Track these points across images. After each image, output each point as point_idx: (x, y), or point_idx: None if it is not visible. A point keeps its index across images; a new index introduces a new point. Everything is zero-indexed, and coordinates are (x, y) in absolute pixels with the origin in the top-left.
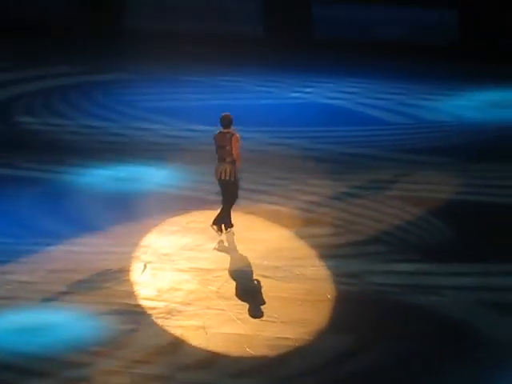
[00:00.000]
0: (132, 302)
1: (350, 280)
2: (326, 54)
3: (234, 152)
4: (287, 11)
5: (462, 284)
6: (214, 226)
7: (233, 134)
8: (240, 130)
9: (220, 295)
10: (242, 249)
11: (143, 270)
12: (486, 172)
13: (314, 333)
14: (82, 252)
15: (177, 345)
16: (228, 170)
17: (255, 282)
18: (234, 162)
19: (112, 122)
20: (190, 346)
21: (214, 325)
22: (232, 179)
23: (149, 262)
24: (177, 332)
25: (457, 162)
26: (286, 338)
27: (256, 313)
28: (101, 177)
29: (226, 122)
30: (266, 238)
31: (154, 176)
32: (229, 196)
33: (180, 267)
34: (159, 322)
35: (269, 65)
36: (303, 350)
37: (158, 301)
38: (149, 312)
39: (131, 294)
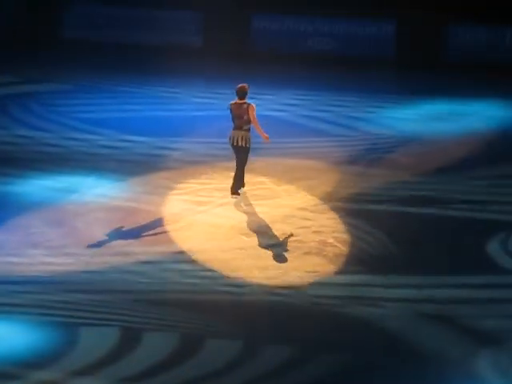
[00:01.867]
0: (68, 313)
1: (288, 292)
2: (266, 66)
3: (252, 121)
4: (226, 22)
5: (401, 296)
6: (234, 195)
7: (249, 105)
8: (177, 140)
9: None
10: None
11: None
12: (425, 184)
13: (250, 344)
14: (18, 263)
15: (118, 356)
16: (243, 137)
17: None
18: (249, 130)
19: (48, 133)
20: (132, 356)
21: None
22: (247, 146)
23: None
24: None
25: (396, 173)
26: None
27: None
28: (37, 187)
29: (242, 93)
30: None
31: (90, 186)
32: (241, 161)
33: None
34: (99, 330)
35: (208, 76)
36: (241, 362)
37: (95, 312)
38: (86, 322)
39: (68, 305)
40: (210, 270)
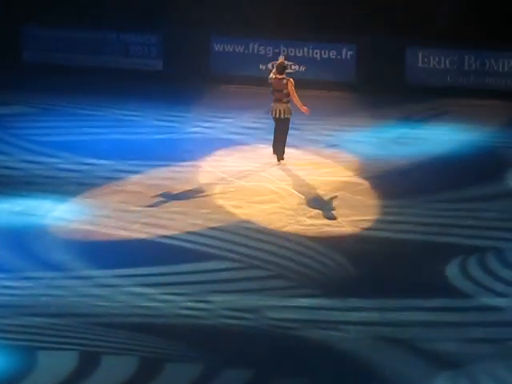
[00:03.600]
0: (26, 337)
1: (246, 315)
2: (225, 88)
3: (291, 94)
4: (186, 46)
5: (362, 319)
6: (280, 161)
7: (288, 79)
8: (136, 164)
9: None
10: None
11: None
12: (385, 208)
13: (210, 367)
14: None
15: (77, 380)
16: (284, 109)
17: None
18: (288, 102)
19: (7, 156)
20: (91, 380)
21: None
22: (287, 116)
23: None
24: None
25: (357, 197)
26: None
27: None
28: None
29: (281, 69)
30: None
31: (49, 209)
32: (283, 131)
33: None
34: (58, 354)
35: (168, 99)
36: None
37: (54, 336)
38: (44, 346)
39: (26, 329)
40: (170, 294)
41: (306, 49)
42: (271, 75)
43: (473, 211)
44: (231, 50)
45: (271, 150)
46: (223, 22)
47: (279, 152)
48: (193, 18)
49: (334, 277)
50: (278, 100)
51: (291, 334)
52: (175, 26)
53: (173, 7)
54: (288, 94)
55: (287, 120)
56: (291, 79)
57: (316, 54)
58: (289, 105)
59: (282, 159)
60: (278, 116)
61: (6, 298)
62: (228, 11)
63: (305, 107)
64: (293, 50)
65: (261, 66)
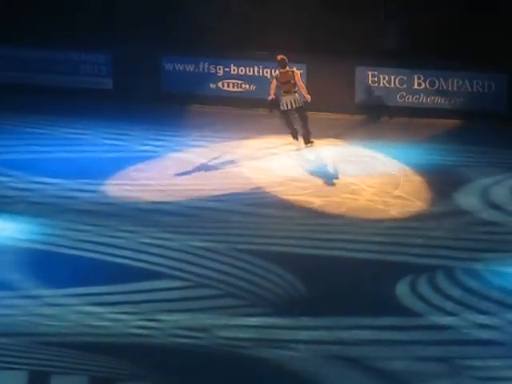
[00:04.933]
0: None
1: (197, 334)
2: (174, 107)
3: (298, 83)
4: (137, 64)
5: (312, 338)
6: (309, 144)
7: (293, 71)
8: (87, 182)
9: None
10: None
11: None
12: (335, 226)
13: None
14: None
15: None
16: (295, 99)
17: None
18: (296, 93)
19: None
20: None
21: None
22: (301, 104)
23: None
24: None
25: (303, 216)
26: None
27: None
28: None
29: (284, 63)
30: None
31: (1, 229)
32: (304, 116)
33: None
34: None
35: (117, 118)
36: None
37: (2, 356)
38: None
39: None
40: (120, 313)
41: (260, 67)
42: (276, 72)
43: (423, 230)
44: (182, 68)
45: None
46: (173, 41)
47: (307, 136)
48: (144, 37)
49: (283, 295)
50: (287, 92)
51: (242, 352)
52: (125, 44)
53: (122, 26)
54: (295, 85)
55: (302, 107)
56: (296, 70)
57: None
58: (297, 94)
59: (311, 142)
60: (291, 107)
61: None
62: (177, 30)
63: (308, 95)
64: (243, 69)
65: (211, 85)
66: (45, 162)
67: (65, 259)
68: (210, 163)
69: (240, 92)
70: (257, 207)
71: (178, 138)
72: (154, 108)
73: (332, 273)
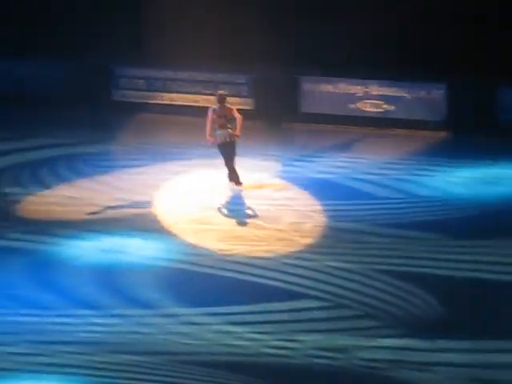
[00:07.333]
0: (114, 375)
1: (334, 354)
2: (312, 127)
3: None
4: (276, 85)
5: (452, 360)
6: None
7: (232, 108)
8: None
9: None
10: None
11: None
12: (476, 248)
13: None
14: (66, 323)
15: None
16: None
17: None
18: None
19: (96, 193)
20: None
21: None
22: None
23: None
24: None
25: (443, 237)
26: None
27: None
28: (87, 247)
29: (222, 99)
30: None
31: (138, 247)
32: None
33: None
34: None
35: (258, 138)
36: None
37: (139, 373)
38: None
39: (115, 367)
40: (257, 333)
41: (396, 88)
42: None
43: None
44: (320, 89)
45: None
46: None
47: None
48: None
49: (422, 317)
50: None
51: (380, 374)
52: (264, 66)
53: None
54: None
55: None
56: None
57: (407, 93)
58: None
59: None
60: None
61: (93, 335)
62: (316, 52)
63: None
64: (383, 89)
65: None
66: None
67: (203, 278)
68: (350, 184)
69: (380, 112)
70: (392, 227)
71: (319, 159)
72: (293, 128)
73: (469, 294)
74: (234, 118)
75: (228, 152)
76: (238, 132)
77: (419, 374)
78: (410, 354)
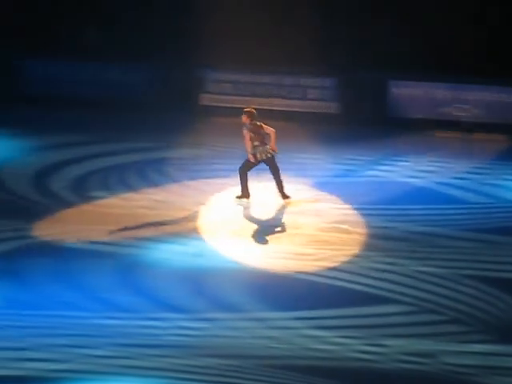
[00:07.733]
0: (203, 378)
1: (421, 360)
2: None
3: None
4: (363, 88)
5: None
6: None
7: (261, 125)
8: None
9: None
10: None
11: None
12: None
13: None
14: (153, 326)
15: None
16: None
17: None
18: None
19: (185, 197)
20: None
21: None
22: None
23: None
24: None
25: None
26: None
27: None
28: (175, 251)
29: (253, 116)
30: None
31: (225, 251)
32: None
33: None
34: None
35: (343, 142)
36: None
37: (226, 377)
38: None
39: (203, 370)
40: (344, 337)
41: (485, 92)
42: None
43: None
44: (409, 93)
45: None
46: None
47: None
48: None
49: (510, 321)
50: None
51: (468, 379)
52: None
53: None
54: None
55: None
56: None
57: (497, 96)
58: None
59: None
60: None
61: (182, 339)
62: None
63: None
64: (472, 93)
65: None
66: None
67: (291, 282)
68: (437, 188)
69: (468, 116)
70: (481, 232)
71: (406, 163)
72: (379, 132)
73: None
74: (267, 134)
75: (271, 167)
76: (273, 147)
77: (508, 379)
78: (498, 360)
